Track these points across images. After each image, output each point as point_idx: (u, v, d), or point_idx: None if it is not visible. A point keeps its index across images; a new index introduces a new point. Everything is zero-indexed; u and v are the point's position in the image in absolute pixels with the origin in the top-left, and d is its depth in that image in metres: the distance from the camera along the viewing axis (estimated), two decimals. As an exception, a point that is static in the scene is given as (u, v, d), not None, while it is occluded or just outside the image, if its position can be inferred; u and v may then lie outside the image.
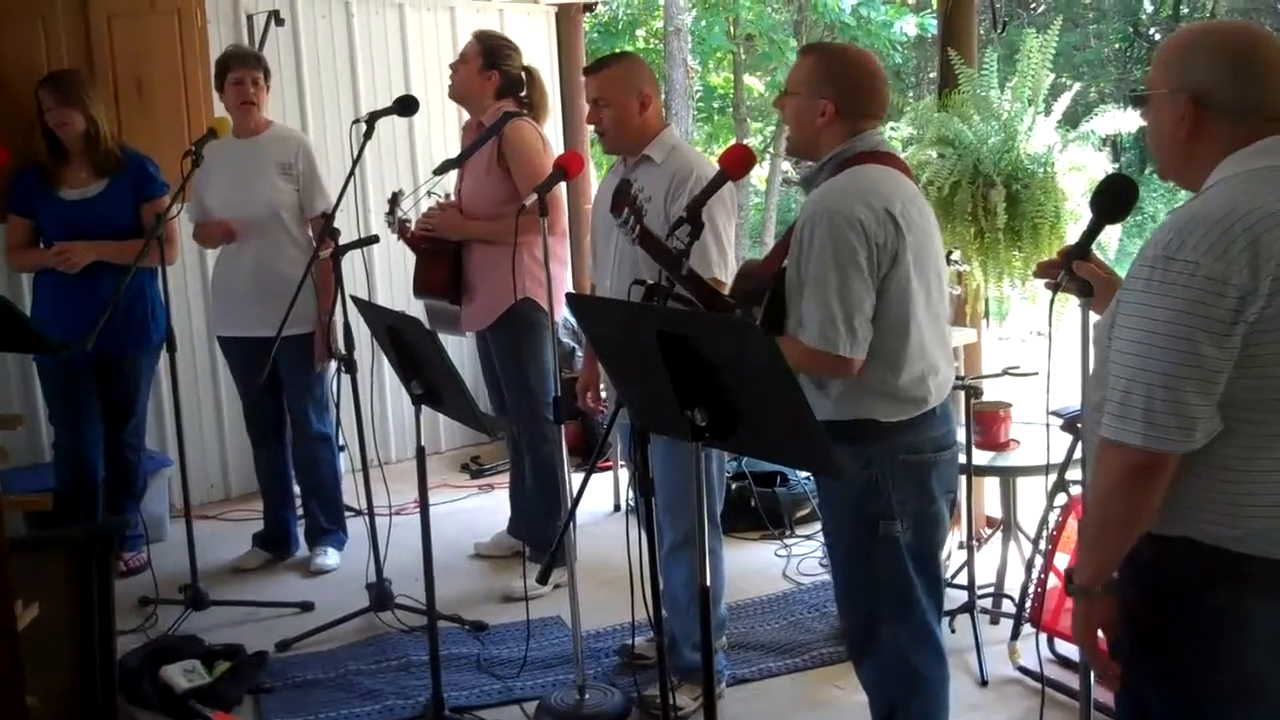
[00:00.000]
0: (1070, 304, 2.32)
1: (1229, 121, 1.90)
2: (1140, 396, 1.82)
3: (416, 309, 4.66)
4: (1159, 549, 1.94)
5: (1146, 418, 1.82)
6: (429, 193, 4.60)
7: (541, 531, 4.52)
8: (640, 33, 16.65)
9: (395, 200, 4.45)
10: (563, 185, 3.82)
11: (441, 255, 4.47)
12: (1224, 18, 16.36)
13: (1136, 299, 1.84)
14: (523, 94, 4.51)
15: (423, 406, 3.33)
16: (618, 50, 5.59)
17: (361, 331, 4.00)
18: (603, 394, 4.02)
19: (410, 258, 4.67)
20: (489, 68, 4.43)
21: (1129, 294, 1.87)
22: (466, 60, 4.47)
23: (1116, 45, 19.14)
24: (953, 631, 3.87)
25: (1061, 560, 3.62)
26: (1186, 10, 18.06)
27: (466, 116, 4.66)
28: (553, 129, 6.35)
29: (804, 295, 2.60)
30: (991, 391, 4.17)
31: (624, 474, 5.37)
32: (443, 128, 6.24)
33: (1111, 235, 4.00)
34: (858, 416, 2.66)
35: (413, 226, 4.52)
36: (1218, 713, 1.94)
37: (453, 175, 4.66)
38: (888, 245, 2.57)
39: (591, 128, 3.73)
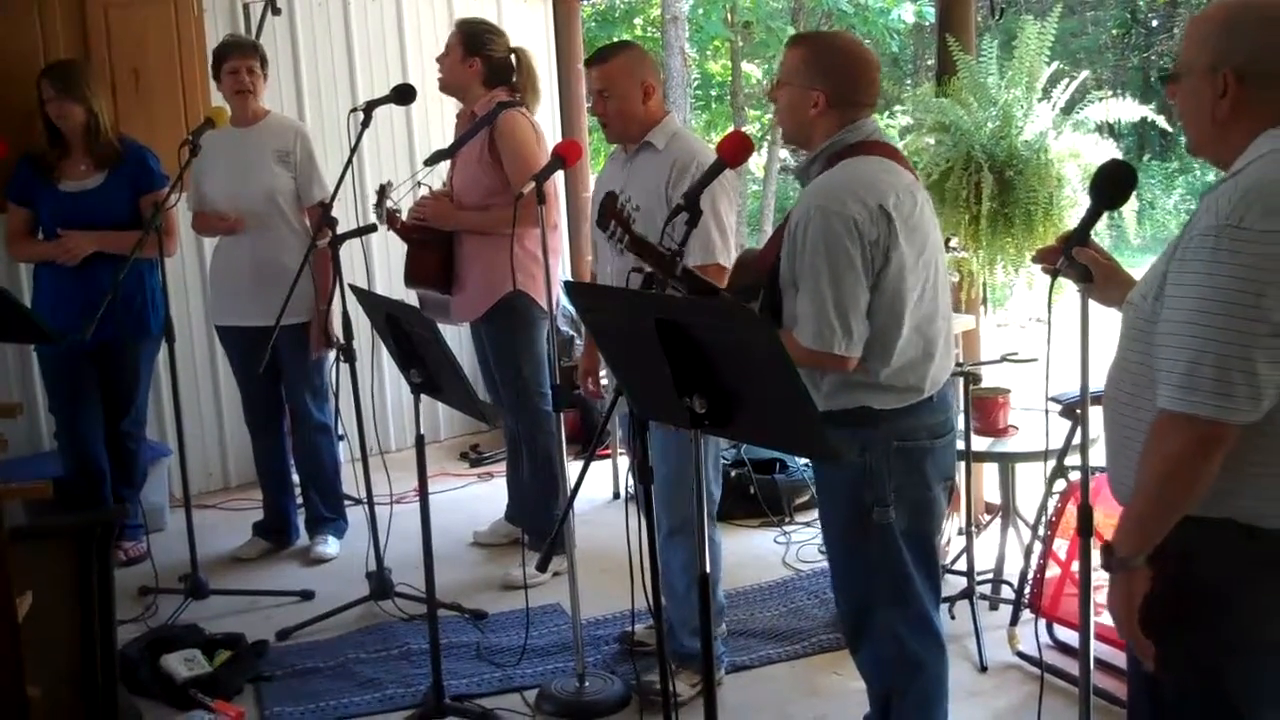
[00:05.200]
0: (1069, 290, 2.32)
1: (1273, 94, 1.90)
2: (1210, 367, 1.79)
3: (413, 298, 4.66)
4: (1193, 531, 1.90)
5: (1218, 388, 1.79)
6: (419, 183, 4.59)
7: (540, 519, 4.53)
8: (638, 21, 16.63)
9: (384, 191, 4.45)
10: (558, 177, 3.80)
11: (432, 245, 4.46)
12: None
13: (1198, 269, 1.82)
14: (514, 79, 4.50)
15: (422, 395, 3.33)
16: (617, 39, 5.54)
17: (360, 320, 4.00)
18: (604, 380, 4.02)
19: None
20: (470, 55, 4.40)
21: (1186, 265, 1.84)
22: (449, 51, 4.45)
23: (1114, 31, 19.10)
24: (952, 618, 3.87)
25: (1061, 546, 3.63)
26: (1184, -3, 18.03)
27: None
28: (550, 118, 6.34)
29: (799, 293, 2.60)
30: (990, 377, 4.18)
31: (623, 461, 5.37)
32: (440, 116, 6.22)
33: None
34: (850, 406, 2.66)
35: (403, 216, 4.52)
36: (1248, 702, 1.91)
37: (444, 166, 4.65)
38: (880, 242, 2.56)
39: (589, 116, 3.72)
